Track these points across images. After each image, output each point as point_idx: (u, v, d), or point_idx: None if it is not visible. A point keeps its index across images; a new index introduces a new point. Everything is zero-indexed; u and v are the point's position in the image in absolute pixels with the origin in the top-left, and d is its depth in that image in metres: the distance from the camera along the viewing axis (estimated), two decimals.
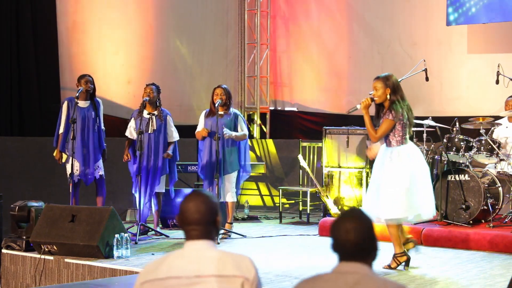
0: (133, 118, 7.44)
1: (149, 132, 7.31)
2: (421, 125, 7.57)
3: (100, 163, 7.48)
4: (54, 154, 7.44)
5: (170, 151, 7.38)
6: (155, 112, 7.38)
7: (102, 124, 7.52)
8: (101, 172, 7.47)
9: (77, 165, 7.32)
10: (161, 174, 7.39)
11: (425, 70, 7.58)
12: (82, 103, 7.39)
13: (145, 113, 7.37)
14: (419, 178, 5.64)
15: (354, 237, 2.31)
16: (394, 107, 5.64)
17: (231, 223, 7.49)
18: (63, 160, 7.38)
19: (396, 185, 5.57)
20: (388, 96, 5.67)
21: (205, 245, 2.53)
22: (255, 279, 2.48)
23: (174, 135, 7.49)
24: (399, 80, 7.52)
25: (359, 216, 2.36)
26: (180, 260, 2.51)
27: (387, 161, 5.66)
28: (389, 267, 5.70)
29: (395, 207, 5.57)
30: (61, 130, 7.40)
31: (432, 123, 7.44)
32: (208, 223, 2.53)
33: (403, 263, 5.74)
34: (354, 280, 2.28)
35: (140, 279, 2.54)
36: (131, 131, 7.44)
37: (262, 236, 7.39)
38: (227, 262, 2.47)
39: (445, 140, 7.29)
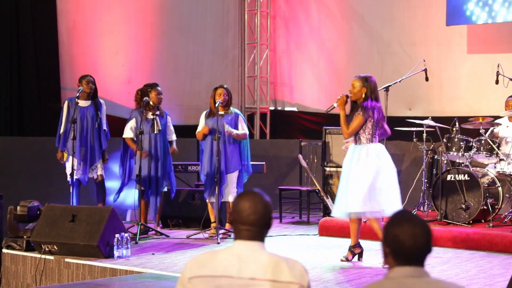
0: (134, 119, 7.41)
1: (155, 132, 7.34)
2: (421, 125, 7.58)
3: (100, 163, 7.49)
4: (57, 154, 7.46)
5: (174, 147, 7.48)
6: (158, 112, 7.40)
7: (105, 125, 7.52)
8: (100, 172, 7.47)
9: (76, 165, 7.33)
10: (168, 173, 7.45)
11: (425, 70, 7.59)
12: (83, 103, 7.40)
13: (149, 114, 7.39)
14: (384, 176, 5.82)
15: (422, 241, 2.22)
16: (365, 105, 5.86)
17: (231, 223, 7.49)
18: (64, 159, 7.40)
19: (360, 181, 5.79)
20: (363, 96, 5.89)
21: (257, 246, 2.48)
22: (309, 286, 2.45)
23: (173, 136, 7.55)
24: (398, 80, 7.58)
25: (418, 219, 2.27)
26: (233, 259, 2.45)
27: (355, 158, 5.89)
28: (346, 259, 6.03)
29: (356, 201, 5.81)
30: (61, 130, 7.42)
31: (432, 123, 7.45)
32: (263, 225, 2.49)
33: (357, 254, 6.07)
34: (412, 284, 2.21)
35: (187, 274, 2.48)
36: (131, 131, 7.42)
37: None
38: (283, 268, 2.42)
39: (445, 140, 7.30)
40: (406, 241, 2.21)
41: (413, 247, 2.21)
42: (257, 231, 2.48)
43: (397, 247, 2.23)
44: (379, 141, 6.00)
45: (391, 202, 5.84)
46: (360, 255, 6.10)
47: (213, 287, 2.42)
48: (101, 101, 7.57)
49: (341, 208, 5.92)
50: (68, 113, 7.39)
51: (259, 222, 2.48)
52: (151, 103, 7.36)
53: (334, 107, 6.13)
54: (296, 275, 2.42)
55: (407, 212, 2.32)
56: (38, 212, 6.59)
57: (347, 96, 5.99)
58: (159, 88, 7.47)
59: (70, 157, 7.28)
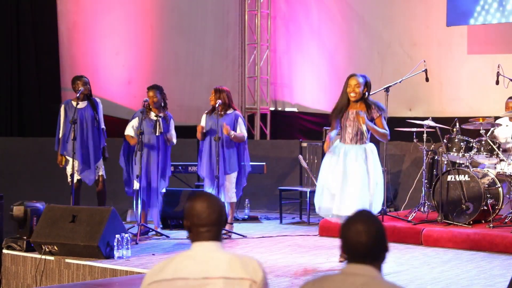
0: (136, 118, 7.39)
1: (156, 134, 7.32)
2: (421, 126, 7.58)
3: (101, 162, 7.49)
4: (57, 158, 7.45)
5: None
6: (161, 114, 7.38)
7: (103, 124, 7.52)
8: (101, 172, 7.47)
9: (77, 166, 7.33)
10: (168, 175, 7.45)
11: (425, 70, 7.59)
12: (80, 104, 7.41)
13: (152, 115, 7.37)
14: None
15: (365, 239, 2.31)
16: (376, 103, 5.89)
17: (231, 224, 7.50)
18: (63, 163, 7.39)
19: (378, 181, 5.86)
20: (364, 95, 5.88)
21: (214, 246, 2.52)
22: (262, 282, 2.47)
23: (174, 140, 7.48)
24: (399, 80, 7.59)
25: (369, 218, 2.37)
26: (188, 261, 2.49)
27: (355, 158, 5.82)
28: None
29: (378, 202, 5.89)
30: (60, 134, 7.41)
31: (432, 124, 7.45)
32: (220, 224, 2.54)
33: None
34: (361, 282, 2.28)
35: (147, 280, 2.53)
36: (132, 129, 7.40)
37: (263, 237, 7.40)
38: (235, 264, 2.47)
39: (445, 141, 7.30)
40: (354, 238, 2.32)
41: (363, 244, 2.31)
42: (216, 230, 2.53)
43: (349, 245, 2.34)
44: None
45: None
46: None
47: None
48: (97, 100, 7.57)
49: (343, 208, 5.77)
50: (66, 116, 7.39)
51: (219, 220, 2.54)
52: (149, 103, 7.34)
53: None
54: (249, 271, 2.46)
55: (360, 212, 2.40)
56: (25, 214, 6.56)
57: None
58: (155, 90, 7.41)
59: (70, 159, 7.27)
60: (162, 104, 7.42)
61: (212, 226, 2.52)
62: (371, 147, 5.92)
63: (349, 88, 5.87)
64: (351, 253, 2.34)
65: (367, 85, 5.89)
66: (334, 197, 5.83)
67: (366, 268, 2.31)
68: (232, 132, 7.21)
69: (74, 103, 7.39)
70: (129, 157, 7.49)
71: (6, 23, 9.87)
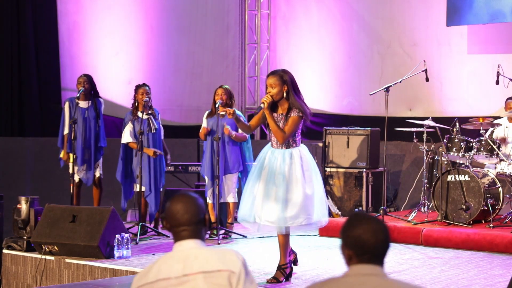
0: (130, 122, 7.36)
1: (152, 132, 7.32)
2: (421, 126, 7.58)
3: (100, 162, 7.49)
4: (61, 155, 7.44)
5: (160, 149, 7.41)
6: (150, 112, 7.35)
7: (102, 123, 7.53)
8: (100, 171, 7.47)
9: (78, 166, 7.34)
10: (164, 172, 7.45)
11: (425, 70, 7.59)
12: (83, 104, 7.41)
13: (142, 115, 7.33)
14: (314, 182, 5.28)
15: (382, 237, 2.29)
16: (298, 104, 5.24)
17: (231, 223, 7.50)
18: (71, 161, 7.38)
19: (292, 190, 5.24)
20: (284, 94, 5.23)
21: (192, 244, 2.55)
22: (241, 271, 2.48)
23: (162, 132, 7.50)
24: (399, 80, 7.58)
25: (375, 218, 2.36)
26: (169, 262, 2.53)
27: (277, 164, 5.26)
28: (276, 279, 5.33)
29: (292, 213, 5.30)
30: (65, 131, 7.42)
31: (432, 124, 7.45)
32: (197, 222, 2.56)
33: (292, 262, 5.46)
34: (377, 282, 2.25)
35: (135, 285, 2.56)
36: (129, 136, 7.36)
37: (263, 237, 7.40)
38: (211, 258, 2.49)
39: (445, 141, 7.30)
40: (369, 239, 2.28)
41: (375, 244, 2.28)
42: (193, 229, 2.55)
43: (361, 246, 2.29)
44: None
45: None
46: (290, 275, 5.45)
47: None
48: (101, 100, 7.57)
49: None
50: (70, 113, 7.39)
51: (193, 220, 2.55)
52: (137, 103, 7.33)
53: (261, 108, 5.35)
54: (225, 262, 2.47)
55: (361, 213, 2.39)
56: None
57: (272, 97, 5.24)
58: (145, 88, 7.35)
59: (71, 158, 7.28)
60: (150, 103, 7.38)
61: (187, 226, 2.55)
62: (298, 151, 5.31)
63: (268, 88, 5.30)
64: (364, 253, 2.29)
65: (287, 83, 5.23)
66: (254, 203, 5.31)
67: (375, 268, 2.29)
68: (234, 133, 7.22)
69: (77, 102, 7.40)
70: (127, 164, 7.44)
71: (6, 23, 9.87)
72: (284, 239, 5.42)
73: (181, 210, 2.56)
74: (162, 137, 7.52)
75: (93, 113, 7.41)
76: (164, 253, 2.61)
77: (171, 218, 2.57)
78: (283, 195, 5.23)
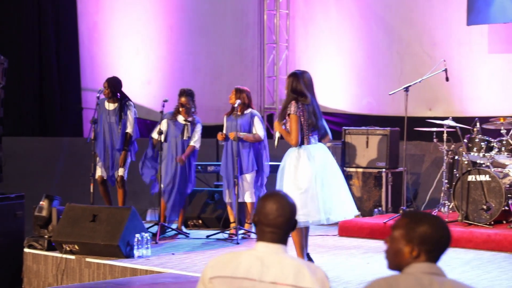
0: (165, 120, 7.40)
1: (184, 138, 7.36)
2: (441, 126, 7.54)
3: (127, 164, 7.49)
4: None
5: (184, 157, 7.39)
6: (190, 119, 7.41)
7: (128, 128, 7.46)
8: (122, 173, 7.49)
9: (100, 166, 7.41)
10: (193, 177, 7.48)
11: (445, 70, 7.54)
12: (109, 105, 7.45)
13: (181, 119, 7.40)
14: (324, 180, 5.43)
15: (447, 233, 2.28)
16: (292, 103, 5.47)
17: (251, 223, 7.51)
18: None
19: (292, 187, 5.38)
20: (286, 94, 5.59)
21: (280, 249, 2.47)
22: None
23: (197, 144, 7.44)
24: (419, 80, 7.54)
25: (431, 214, 2.35)
26: (255, 262, 2.44)
27: (287, 163, 5.51)
28: None
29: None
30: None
31: (453, 124, 7.41)
32: (288, 228, 2.48)
33: None
34: (439, 280, 2.23)
35: (209, 273, 2.47)
36: (156, 133, 7.42)
37: None
38: (304, 273, 2.40)
39: (465, 141, 7.25)
40: (435, 234, 2.25)
41: (443, 238, 2.26)
42: (281, 233, 2.47)
43: (430, 243, 2.25)
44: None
45: (337, 207, 5.50)
46: None
47: None
48: (128, 104, 7.49)
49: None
50: (94, 114, 7.42)
51: (285, 224, 2.47)
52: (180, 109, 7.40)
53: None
54: (317, 281, 2.39)
55: (420, 211, 2.39)
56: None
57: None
58: (182, 98, 7.38)
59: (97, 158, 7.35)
60: (192, 110, 7.43)
61: (277, 229, 2.46)
62: (298, 151, 5.54)
63: None
64: (434, 250, 2.26)
65: (290, 84, 5.55)
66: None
67: (437, 267, 2.27)
68: (242, 134, 7.20)
69: (105, 103, 7.45)
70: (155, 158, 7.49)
71: (27, 23, 9.96)
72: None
73: (276, 212, 2.45)
74: (194, 146, 7.44)
75: (116, 117, 7.41)
76: (247, 249, 2.51)
77: (263, 217, 2.47)
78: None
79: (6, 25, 9.83)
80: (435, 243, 2.26)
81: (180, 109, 7.40)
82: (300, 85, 5.54)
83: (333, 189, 5.50)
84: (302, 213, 5.31)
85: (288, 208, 2.48)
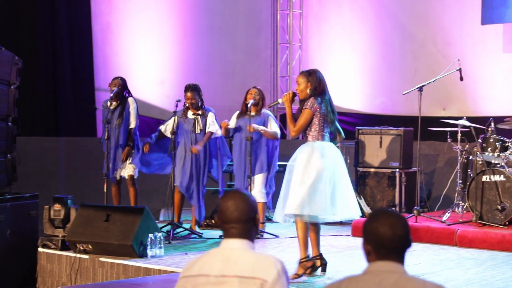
0: (176, 117, 7.40)
1: (197, 132, 7.37)
2: (455, 125, 7.50)
3: (135, 161, 7.53)
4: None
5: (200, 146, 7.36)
6: (200, 112, 7.42)
7: (132, 124, 7.52)
8: (131, 171, 7.52)
9: (111, 164, 7.44)
10: (208, 173, 7.46)
11: (460, 69, 7.51)
12: (113, 105, 7.53)
13: (190, 114, 7.43)
14: (332, 178, 5.40)
15: (400, 231, 2.29)
16: (311, 99, 5.47)
17: (263, 223, 7.50)
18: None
19: (301, 181, 5.36)
20: (308, 91, 5.48)
21: (238, 244, 2.54)
22: (276, 281, 2.44)
23: (213, 128, 7.37)
24: (432, 80, 7.50)
25: (394, 212, 2.37)
26: (213, 258, 2.54)
27: (299, 157, 5.47)
28: (297, 275, 5.45)
29: (293, 202, 5.36)
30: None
31: (467, 123, 7.37)
32: (247, 221, 2.55)
33: (319, 268, 5.56)
34: (393, 279, 2.25)
35: (181, 274, 2.60)
36: (167, 128, 7.45)
37: (295, 236, 7.36)
38: (249, 263, 2.47)
39: (480, 141, 7.21)
40: (385, 232, 2.27)
41: (392, 237, 2.27)
42: (242, 228, 2.54)
43: (377, 240, 2.29)
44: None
45: (342, 206, 5.45)
46: (314, 269, 5.56)
47: (193, 286, 2.51)
48: (130, 100, 7.58)
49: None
50: (103, 115, 7.49)
51: (243, 218, 2.54)
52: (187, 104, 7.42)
53: (279, 103, 5.87)
54: (261, 270, 2.44)
55: (382, 208, 2.39)
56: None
57: (294, 94, 5.57)
58: (187, 94, 7.39)
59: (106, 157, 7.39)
60: (200, 104, 7.45)
61: (235, 223, 2.54)
62: (312, 146, 5.51)
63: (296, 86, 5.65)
64: (381, 247, 2.29)
65: (311, 82, 5.52)
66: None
67: (394, 265, 2.28)
68: (262, 128, 7.21)
69: (108, 104, 7.53)
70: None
71: (41, 24, 10.00)
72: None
73: (231, 207, 2.54)
74: (213, 132, 7.33)
75: (117, 114, 7.50)
76: (210, 250, 2.60)
77: (221, 214, 2.56)
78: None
79: (20, 26, 9.88)
80: (383, 240, 2.28)
81: (188, 105, 7.40)
82: (323, 83, 5.56)
83: (340, 189, 5.50)
84: (308, 208, 5.33)
85: (243, 203, 2.56)
